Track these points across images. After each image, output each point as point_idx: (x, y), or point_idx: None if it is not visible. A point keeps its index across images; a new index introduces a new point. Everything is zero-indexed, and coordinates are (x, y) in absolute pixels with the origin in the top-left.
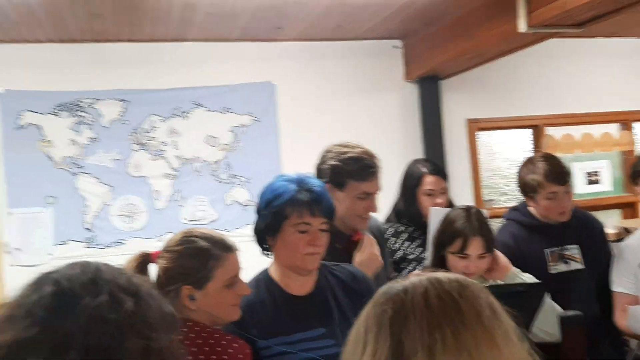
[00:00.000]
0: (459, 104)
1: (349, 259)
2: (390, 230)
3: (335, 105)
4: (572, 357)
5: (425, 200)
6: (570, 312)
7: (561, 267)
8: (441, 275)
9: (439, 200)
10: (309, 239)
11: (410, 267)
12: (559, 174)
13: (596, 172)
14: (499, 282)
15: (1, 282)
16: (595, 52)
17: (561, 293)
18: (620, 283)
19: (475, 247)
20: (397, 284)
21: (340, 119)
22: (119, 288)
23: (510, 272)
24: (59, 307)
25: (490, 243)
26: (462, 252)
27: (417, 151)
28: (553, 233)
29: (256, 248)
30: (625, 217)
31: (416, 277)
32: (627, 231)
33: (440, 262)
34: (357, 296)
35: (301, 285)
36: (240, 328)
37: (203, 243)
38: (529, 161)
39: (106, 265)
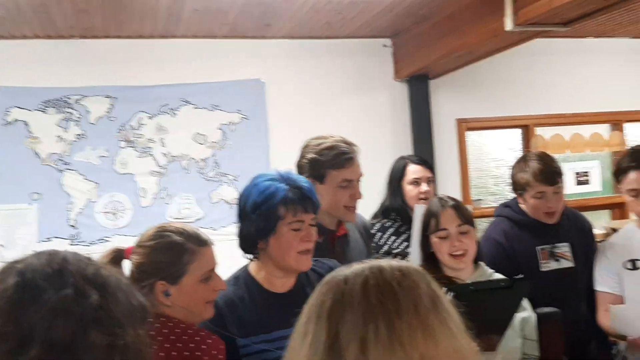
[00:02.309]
0: (448, 103)
1: (330, 253)
2: (377, 226)
3: (324, 103)
4: (549, 354)
5: (411, 190)
6: (547, 309)
7: (552, 265)
8: (385, 263)
9: (424, 189)
10: (302, 236)
11: None
12: (548, 174)
13: (586, 172)
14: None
15: None
16: (586, 52)
17: (552, 291)
18: (603, 282)
19: (448, 218)
20: (340, 273)
21: (330, 117)
22: (85, 280)
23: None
24: (21, 300)
25: (465, 215)
26: (439, 228)
27: (407, 150)
28: (544, 230)
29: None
30: (615, 217)
31: (360, 265)
32: (615, 232)
33: (429, 258)
34: None
35: (282, 283)
36: (220, 325)
37: (177, 237)
38: (523, 159)
39: (74, 255)
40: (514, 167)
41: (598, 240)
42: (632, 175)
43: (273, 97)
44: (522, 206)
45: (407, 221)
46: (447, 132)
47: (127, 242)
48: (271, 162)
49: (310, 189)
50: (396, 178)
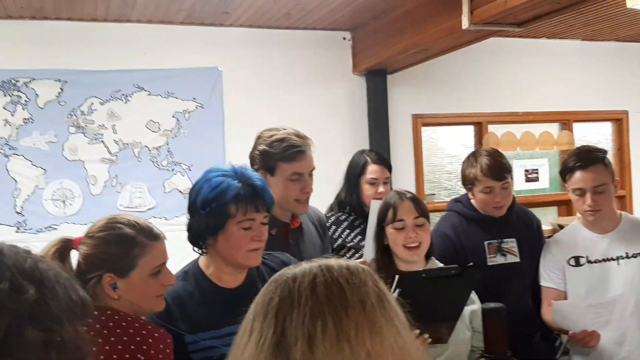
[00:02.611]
0: (405, 98)
1: (283, 245)
2: (332, 219)
3: (282, 94)
4: (493, 348)
5: (368, 189)
6: (492, 304)
7: (499, 260)
8: (334, 262)
9: (381, 190)
10: (252, 235)
11: (348, 255)
12: (496, 169)
13: (535, 169)
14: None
15: None
16: (539, 52)
17: (498, 285)
18: (548, 278)
19: (406, 210)
20: (288, 271)
21: (288, 108)
22: (22, 274)
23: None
24: None
25: (422, 208)
26: (396, 219)
27: (364, 143)
28: (492, 226)
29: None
30: (561, 214)
31: (308, 264)
32: (561, 228)
33: (384, 251)
34: None
35: (233, 279)
36: (168, 321)
37: (128, 230)
38: (473, 154)
39: (11, 247)
40: (464, 163)
41: (546, 236)
42: (577, 175)
43: (230, 86)
44: (473, 201)
45: (362, 216)
46: (403, 127)
47: (76, 230)
48: (227, 152)
49: (263, 186)
50: (355, 174)
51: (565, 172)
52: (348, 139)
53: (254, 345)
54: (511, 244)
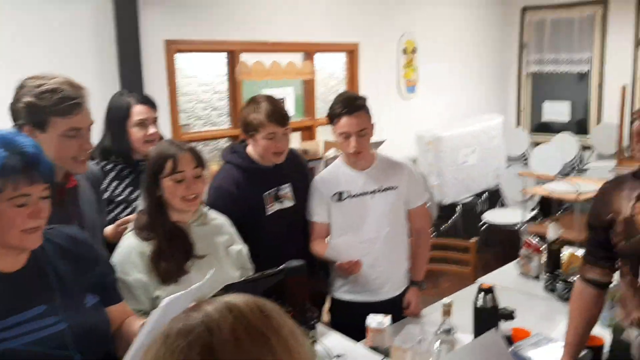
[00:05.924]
0: (157, 22)
1: (60, 208)
2: None
3: (16, 11)
4: (296, 301)
5: (137, 131)
6: (294, 262)
7: (275, 207)
8: (239, 301)
9: (152, 131)
10: (29, 212)
11: (118, 211)
12: (280, 115)
13: (282, 99)
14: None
15: None
16: None
17: (276, 230)
18: (315, 213)
19: (186, 161)
20: (192, 319)
21: (24, 25)
22: None
23: None
24: None
25: (200, 158)
26: (176, 171)
27: (113, 71)
28: (269, 175)
29: None
30: (304, 139)
31: (212, 306)
32: (305, 152)
33: (157, 202)
34: (80, 261)
35: (13, 261)
36: None
37: None
38: (253, 101)
39: None
40: (244, 109)
41: None
42: (344, 120)
43: None
44: (249, 150)
45: (130, 164)
46: (156, 54)
47: None
48: None
49: (36, 154)
50: (118, 119)
51: (333, 117)
52: (95, 66)
53: None
54: (287, 189)
